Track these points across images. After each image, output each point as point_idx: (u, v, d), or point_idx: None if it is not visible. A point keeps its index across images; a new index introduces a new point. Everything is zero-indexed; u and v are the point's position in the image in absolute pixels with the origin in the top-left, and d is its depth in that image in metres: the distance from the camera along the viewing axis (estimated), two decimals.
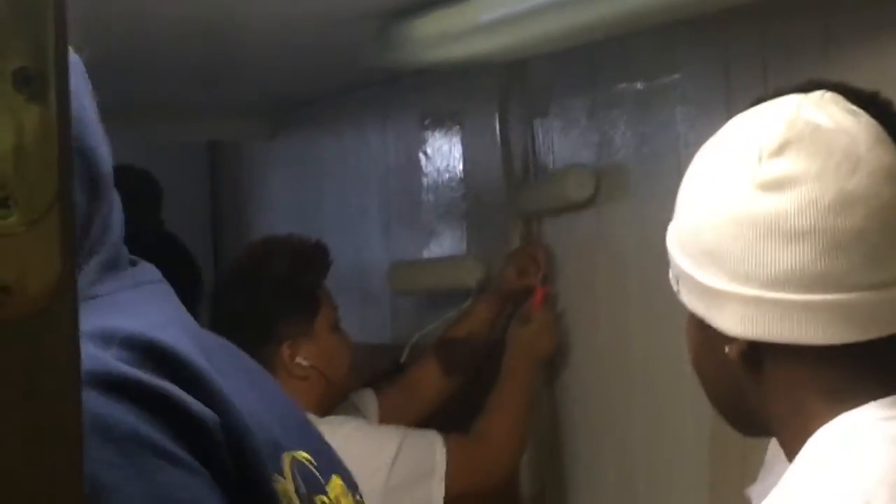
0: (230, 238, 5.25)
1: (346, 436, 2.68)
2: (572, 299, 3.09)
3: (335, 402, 2.82)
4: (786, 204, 1.26)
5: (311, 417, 2.70)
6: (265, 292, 2.74)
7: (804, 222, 1.25)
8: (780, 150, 1.28)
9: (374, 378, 3.12)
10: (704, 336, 1.36)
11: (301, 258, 2.81)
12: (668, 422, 2.76)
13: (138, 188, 4.31)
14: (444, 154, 3.59)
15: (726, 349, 1.33)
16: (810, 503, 1.22)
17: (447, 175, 3.58)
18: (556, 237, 3.15)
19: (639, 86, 2.84)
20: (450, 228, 3.60)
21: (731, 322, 1.31)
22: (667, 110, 2.75)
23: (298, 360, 2.73)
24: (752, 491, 1.78)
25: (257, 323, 2.72)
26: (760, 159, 1.29)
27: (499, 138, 3.27)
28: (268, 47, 3.18)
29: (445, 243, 3.62)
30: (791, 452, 1.31)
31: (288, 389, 2.73)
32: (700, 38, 2.63)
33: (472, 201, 3.49)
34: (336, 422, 2.70)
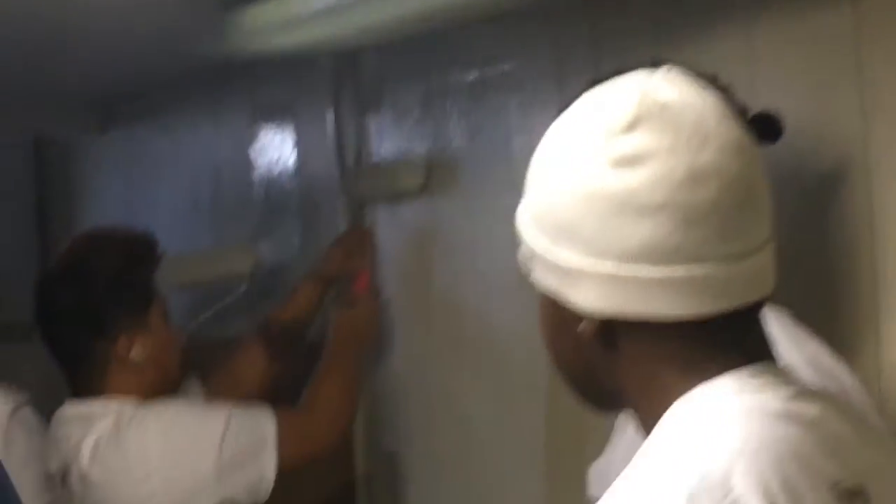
0: (59, 237, 5.12)
1: (173, 418, 2.65)
2: (405, 283, 3.09)
3: (166, 393, 2.77)
4: (639, 179, 1.27)
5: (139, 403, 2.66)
6: (98, 287, 2.70)
7: (657, 197, 1.26)
8: (632, 126, 1.29)
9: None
10: (558, 315, 1.36)
11: (132, 251, 2.78)
12: (504, 400, 2.75)
13: None
14: (276, 147, 3.55)
15: (580, 326, 1.33)
16: (673, 473, 1.23)
17: (280, 169, 3.54)
18: (388, 225, 3.14)
19: (471, 76, 2.84)
20: (282, 222, 3.56)
21: (586, 299, 1.32)
22: (499, 100, 2.75)
23: (135, 352, 2.69)
24: (597, 465, 1.79)
25: (90, 318, 2.68)
26: (612, 136, 1.30)
27: (332, 131, 3.24)
28: (95, 37, 3.11)
29: (278, 237, 3.58)
30: (648, 426, 1.32)
31: (120, 382, 2.70)
32: (532, 27, 2.63)
33: (306, 195, 3.45)
34: (161, 406, 2.68)
